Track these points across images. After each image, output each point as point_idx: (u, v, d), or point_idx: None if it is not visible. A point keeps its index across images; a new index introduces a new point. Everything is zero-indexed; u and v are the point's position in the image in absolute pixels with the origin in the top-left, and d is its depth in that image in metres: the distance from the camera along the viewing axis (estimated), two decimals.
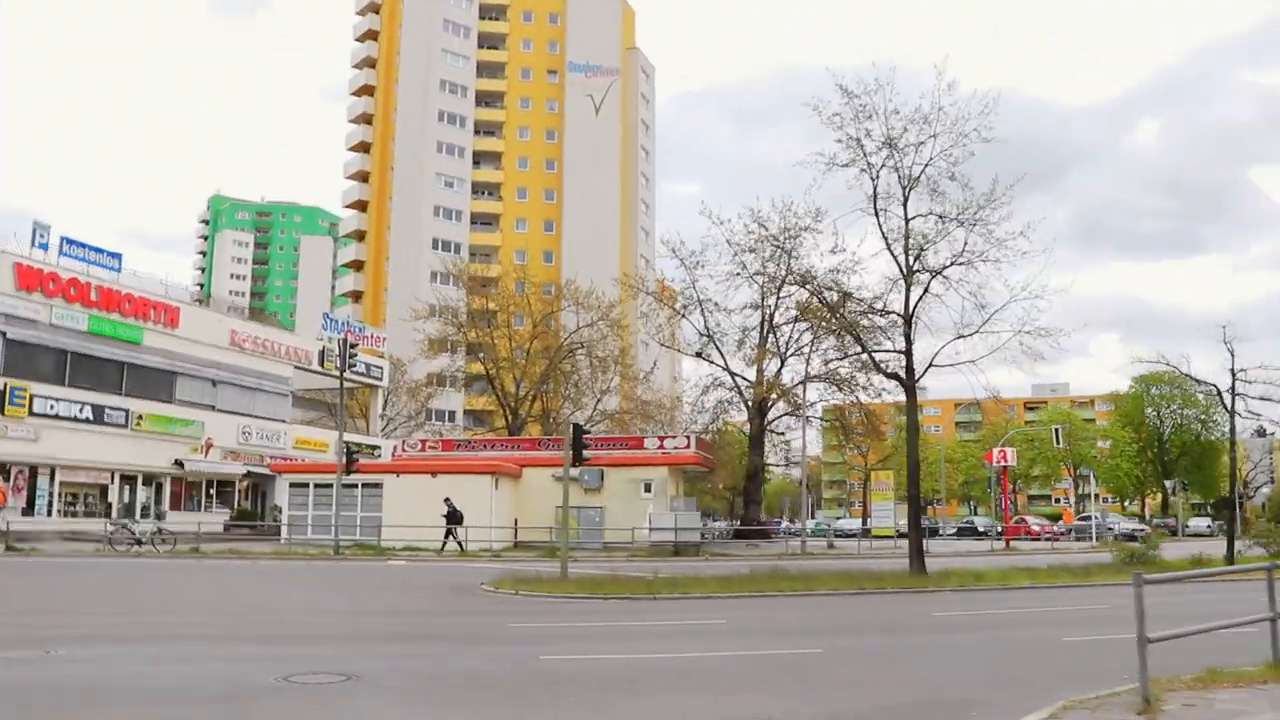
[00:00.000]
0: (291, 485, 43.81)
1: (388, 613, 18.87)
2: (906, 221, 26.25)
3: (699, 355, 47.92)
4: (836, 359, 37.51)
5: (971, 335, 25.44)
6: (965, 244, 25.04)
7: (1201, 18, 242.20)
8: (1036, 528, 54.69)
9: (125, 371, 47.10)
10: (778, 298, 48.03)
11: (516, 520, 42.47)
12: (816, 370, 44.54)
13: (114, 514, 44.64)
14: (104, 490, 46.02)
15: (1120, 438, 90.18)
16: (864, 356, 45.79)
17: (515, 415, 54.29)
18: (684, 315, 48.37)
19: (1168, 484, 69.09)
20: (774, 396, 47.17)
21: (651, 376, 58.94)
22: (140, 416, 46.95)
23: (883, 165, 25.97)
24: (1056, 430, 61.50)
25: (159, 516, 44.98)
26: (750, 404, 47.62)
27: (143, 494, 47.83)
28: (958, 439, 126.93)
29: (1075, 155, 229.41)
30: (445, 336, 56.38)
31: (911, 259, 25.95)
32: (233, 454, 52.54)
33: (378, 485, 41.72)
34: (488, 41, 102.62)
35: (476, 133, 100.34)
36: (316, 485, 42.22)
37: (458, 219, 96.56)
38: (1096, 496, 77.53)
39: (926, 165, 25.96)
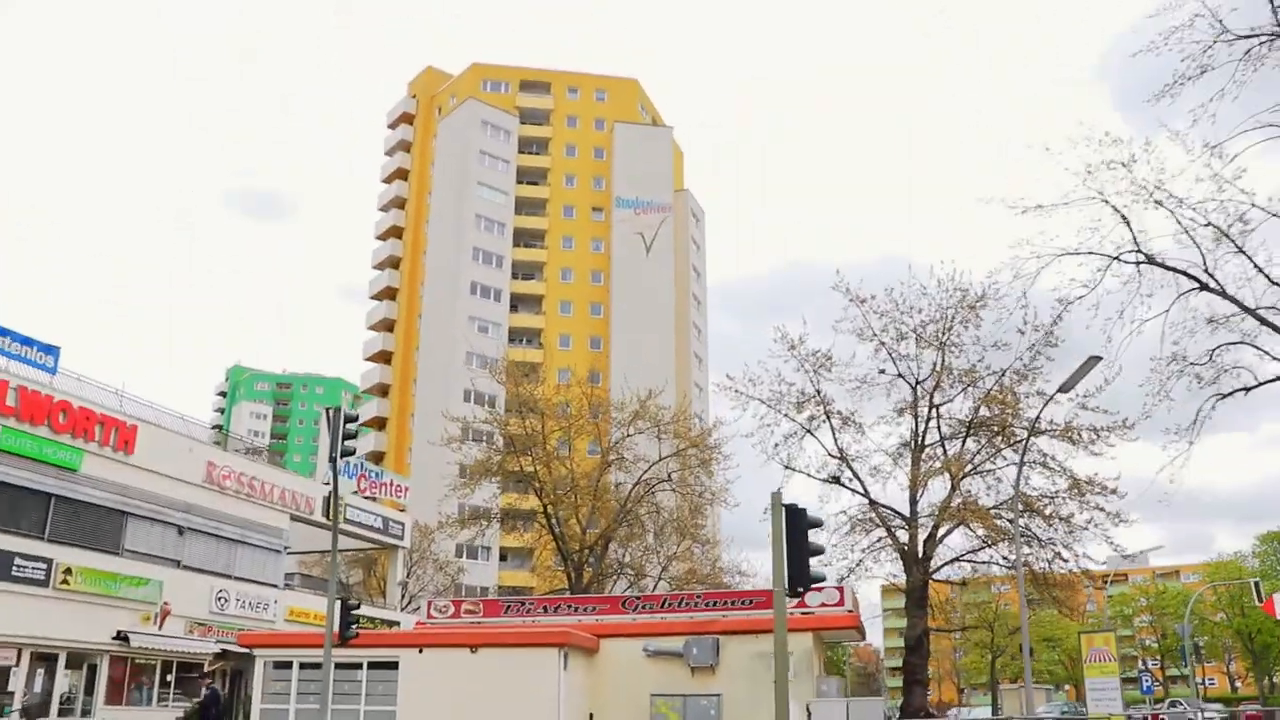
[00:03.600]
0: (271, 667, 30.55)
1: None
2: None
3: (835, 481, 35.03)
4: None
5: None
6: None
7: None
8: None
9: (52, 507, 34.10)
10: (933, 404, 35.58)
11: (592, 716, 28.95)
12: (1005, 491, 31.56)
13: (18, 705, 31.32)
14: (6, 674, 32.56)
15: None
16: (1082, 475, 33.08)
17: (579, 572, 40.91)
18: (810, 431, 35.77)
19: None
20: (946, 528, 33.95)
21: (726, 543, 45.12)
22: (68, 570, 33.78)
23: None
24: (1256, 584, 46.79)
25: (27, 714, 30.56)
26: (905, 547, 34.39)
27: (65, 680, 34.25)
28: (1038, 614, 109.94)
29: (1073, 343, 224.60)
30: (488, 460, 43.26)
31: None
32: (202, 626, 39.23)
33: (391, 665, 28.49)
34: (527, 177, 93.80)
35: (514, 275, 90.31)
36: (302, 665, 29.01)
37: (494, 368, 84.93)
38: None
39: None
